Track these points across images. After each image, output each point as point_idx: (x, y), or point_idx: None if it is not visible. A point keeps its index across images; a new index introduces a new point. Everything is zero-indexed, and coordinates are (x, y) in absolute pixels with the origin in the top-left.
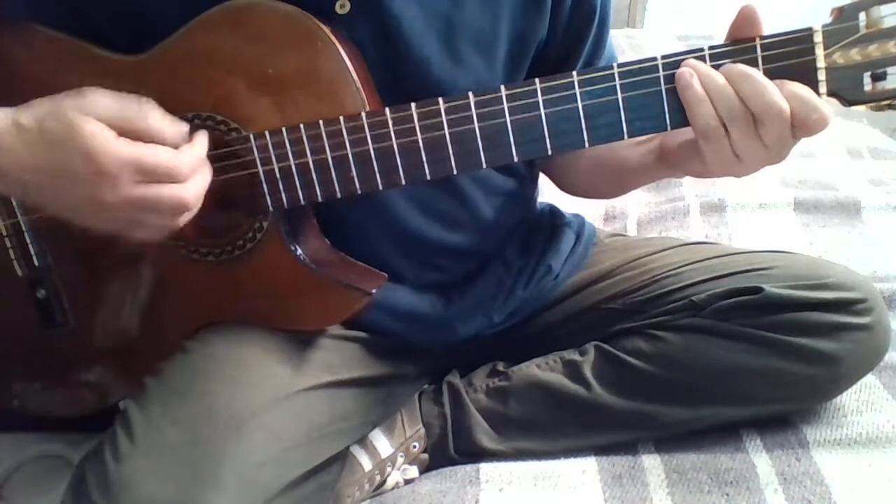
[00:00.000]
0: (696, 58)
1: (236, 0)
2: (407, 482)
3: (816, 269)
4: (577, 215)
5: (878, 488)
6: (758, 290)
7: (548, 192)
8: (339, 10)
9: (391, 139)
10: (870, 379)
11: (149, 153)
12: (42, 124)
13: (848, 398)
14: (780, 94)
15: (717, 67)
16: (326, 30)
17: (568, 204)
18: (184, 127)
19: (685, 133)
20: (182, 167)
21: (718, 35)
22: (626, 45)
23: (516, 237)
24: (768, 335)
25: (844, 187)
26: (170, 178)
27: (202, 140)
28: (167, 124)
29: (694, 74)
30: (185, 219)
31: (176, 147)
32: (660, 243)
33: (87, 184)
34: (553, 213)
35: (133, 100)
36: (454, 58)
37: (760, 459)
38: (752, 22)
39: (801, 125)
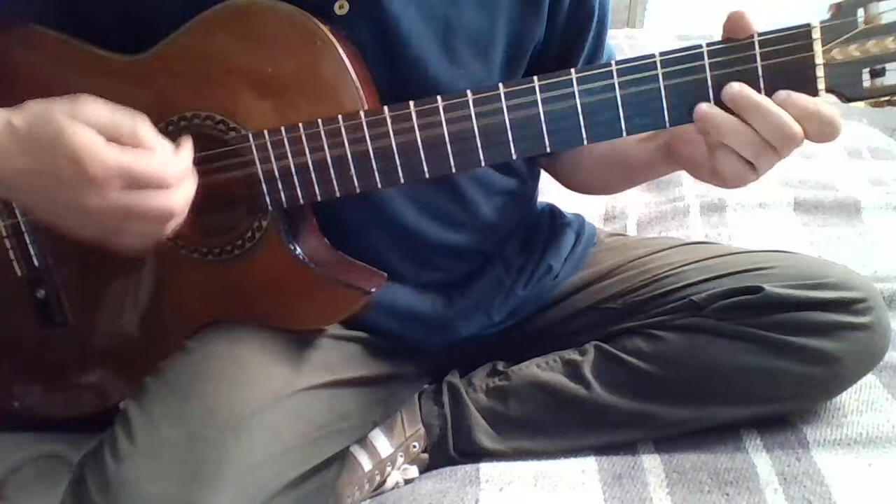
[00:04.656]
0: (694, 55)
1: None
2: (407, 482)
3: (816, 268)
4: (577, 215)
5: (878, 488)
6: (758, 289)
7: (548, 192)
8: (337, 11)
9: (390, 138)
10: (870, 379)
11: (137, 160)
12: (32, 127)
13: (848, 398)
14: (790, 118)
15: (715, 67)
16: (326, 29)
17: (568, 204)
18: (169, 143)
19: (694, 141)
20: (169, 174)
21: (718, 35)
22: (626, 45)
23: (516, 237)
24: (768, 335)
25: (844, 187)
26: (157, 185)
27: (188, 147)
28: (156, 136)
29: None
30: (171, 227)
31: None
32: (660, 243)
33: (73, 188)
34: (553, 212)
35: (125, 110)
36: (452, 58)
37: (760, 459)
38: (742, 25)
39: (815, 139)
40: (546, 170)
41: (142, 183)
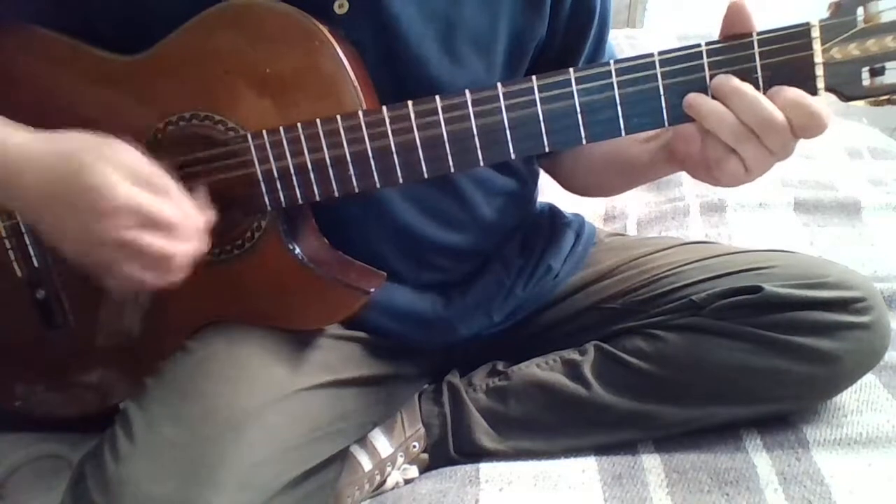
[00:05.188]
0: (692, 54)
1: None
2: (407, 482)
3: (816, 268)
4: (576, 215)
5: (878, 488)
6: (757, 289)
7: (548, 192)
8: (337, 10)
9: (388, 138)
10: (870, 378)
11: (154, 203)
12: (57, 163)
13: (848, 398)
14: (772, 106)
15: (714, 66)
16: (324, 29)
17: (568, 204)
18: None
19: (693, 139)
20: (184, 226)
21: (718, 35)
22: (626, 45)
23: (516, 237)
24: (768, 334)
25: (844, 187)
26: (167, 232)
27: (209, 215)
28: (180, 191)
29: (692, 106)
30: (162, 279)
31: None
32: (659, 243)
33: (83, 215)
34: (553, 212)
35: (157, 167)
36: (453, 57)
37: (760, 459)
38: (742, 17)
39: (801, 131)
40: (546, 171)
41: (153, 226)
